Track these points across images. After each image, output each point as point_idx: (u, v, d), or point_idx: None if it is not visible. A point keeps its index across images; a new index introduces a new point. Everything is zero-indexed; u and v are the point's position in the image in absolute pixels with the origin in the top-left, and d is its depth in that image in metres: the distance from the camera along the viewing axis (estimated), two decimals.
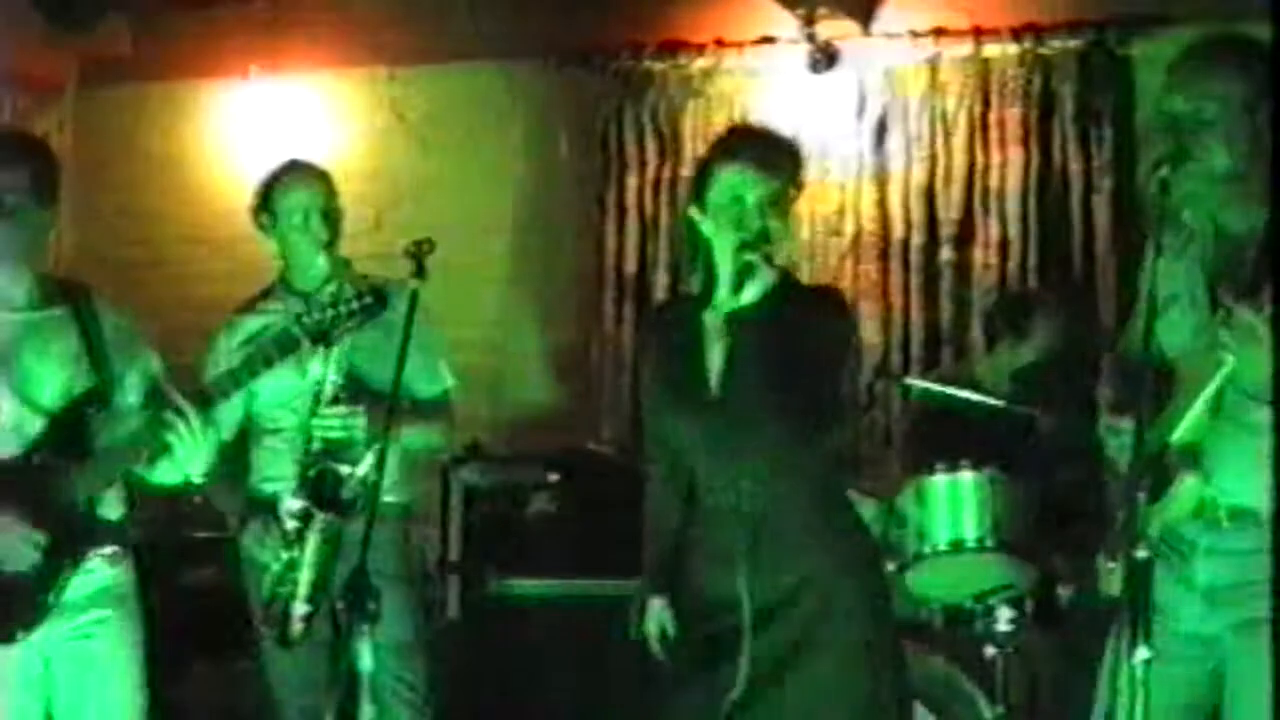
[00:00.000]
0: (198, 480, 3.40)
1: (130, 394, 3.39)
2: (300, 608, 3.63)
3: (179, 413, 3.22)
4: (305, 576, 3.62)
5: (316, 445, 3.62)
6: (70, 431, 3.30)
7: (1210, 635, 2.85)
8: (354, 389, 3.64)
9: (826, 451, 3.14)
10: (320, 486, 3.61)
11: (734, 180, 3.08)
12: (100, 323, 3.39)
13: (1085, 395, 4.27)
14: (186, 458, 3.27)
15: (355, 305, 3.33)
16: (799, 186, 3.17)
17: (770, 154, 3.13)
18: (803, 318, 3.10)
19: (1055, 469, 4.32)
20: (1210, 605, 2.84)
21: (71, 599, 3.30)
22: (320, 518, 3.59)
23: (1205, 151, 2.75)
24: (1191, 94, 2.78)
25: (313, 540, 3.60)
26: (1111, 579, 2.89)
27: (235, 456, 3.88)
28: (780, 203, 3.09)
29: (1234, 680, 2.82)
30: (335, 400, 3.61)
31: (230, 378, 3.40)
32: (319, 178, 3.95)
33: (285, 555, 3.64)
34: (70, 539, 3.28)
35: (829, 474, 3.18)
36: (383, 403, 3.40)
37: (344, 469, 3.60)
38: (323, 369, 3.59)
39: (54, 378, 3.32)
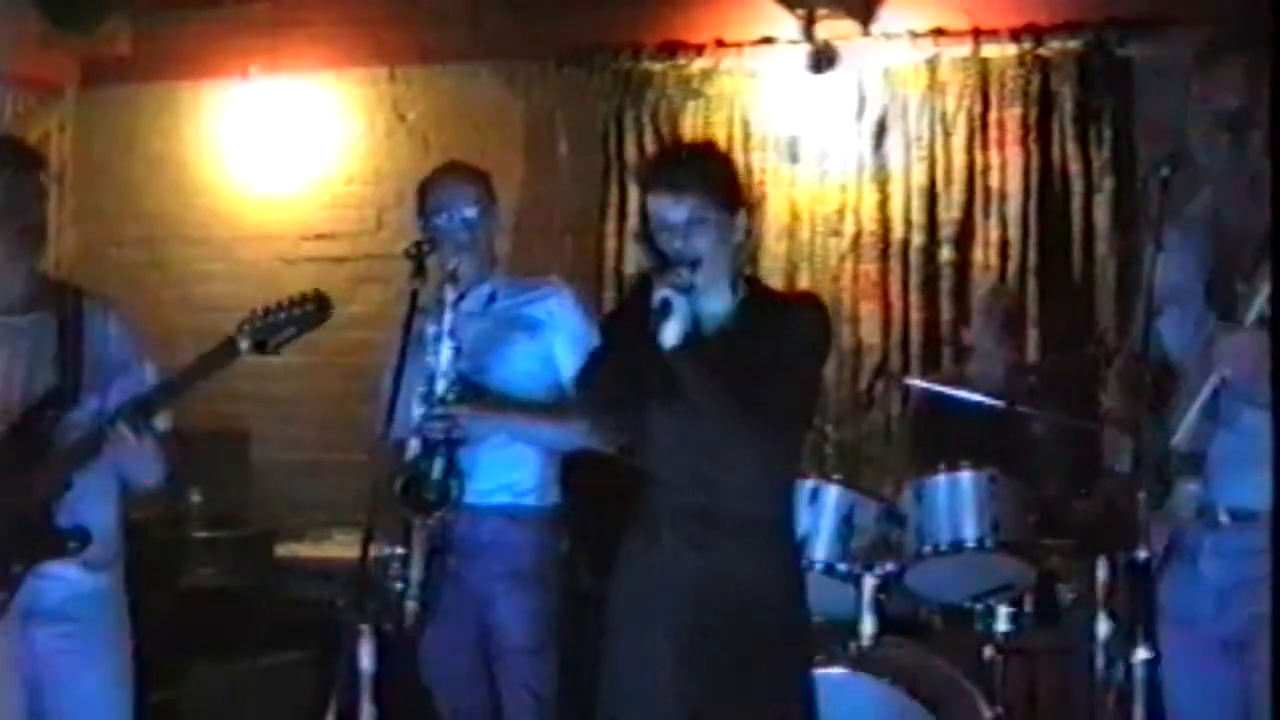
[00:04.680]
0: (151, 485, 3.38)
1: (110, 401, 3.34)
2: (409, 603, 3.61)
3: (113, 423, 3.21)
4: (413, 574, 3.61)
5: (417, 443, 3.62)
6: (30, 434, 3.28)
7: (1230, 635, 2.85)
8: (465, 386, 3.62)
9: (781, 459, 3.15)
10: (418, 484, 3.60)
11: (652, 205, 3.05)
12: (84, 328, 3.36)
13: (1082, 396, 4.30)
14: (130, 466, 3.28)
15: (296, 312, 3.25)
16: (727, 201, 3.06)
17: (680, 173, 3.05)
18: (762, 335, 3.05)
19: (1054, 469, 4.33)
20: (1222, 605, 2.84)
21: (49, 606, 3.27)
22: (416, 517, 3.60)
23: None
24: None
25: (416, 538, 3.60)
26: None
27: None
28: (704, 221, 3.00)
29: (1255, 669, 2.83)
30: (443, 399, 3.59)
31: (169, 386, 3.33)
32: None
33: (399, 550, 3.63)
34: (21, 542, 3.25)
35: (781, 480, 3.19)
36: (489, 399, 3.56)
37: (435, 467, 3.59)
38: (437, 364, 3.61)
39: (23, 379, 3.31)
